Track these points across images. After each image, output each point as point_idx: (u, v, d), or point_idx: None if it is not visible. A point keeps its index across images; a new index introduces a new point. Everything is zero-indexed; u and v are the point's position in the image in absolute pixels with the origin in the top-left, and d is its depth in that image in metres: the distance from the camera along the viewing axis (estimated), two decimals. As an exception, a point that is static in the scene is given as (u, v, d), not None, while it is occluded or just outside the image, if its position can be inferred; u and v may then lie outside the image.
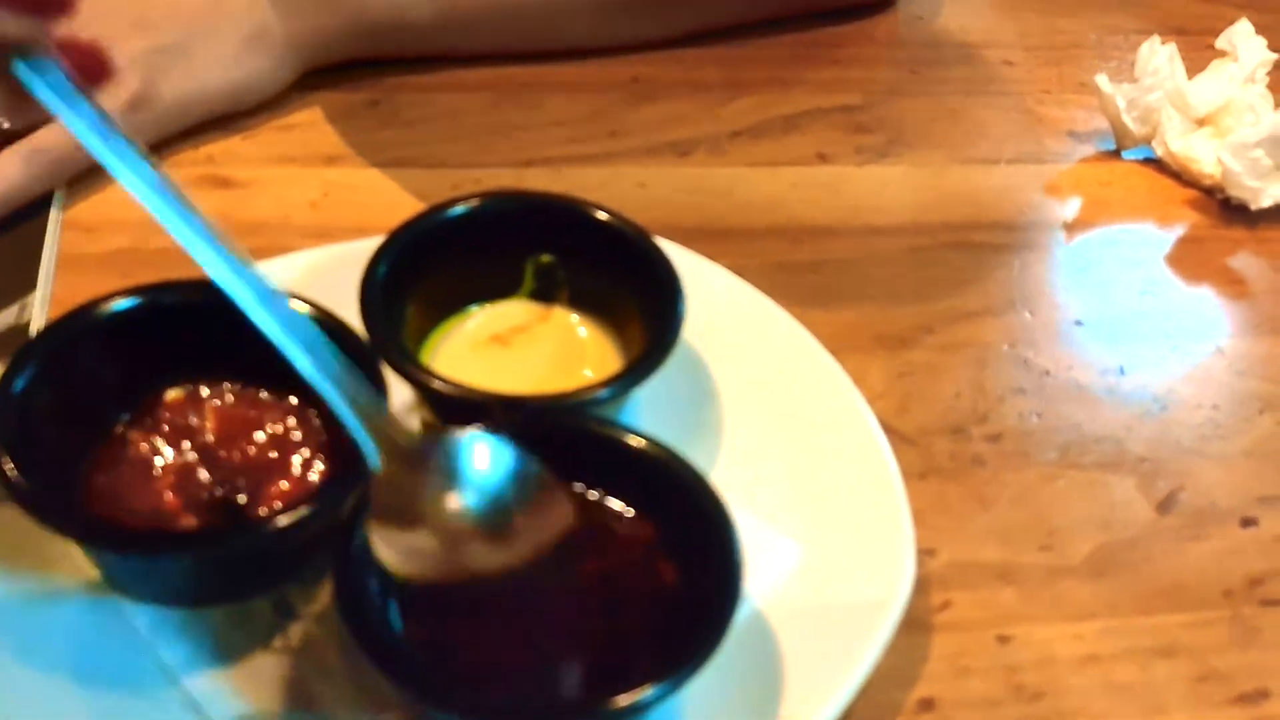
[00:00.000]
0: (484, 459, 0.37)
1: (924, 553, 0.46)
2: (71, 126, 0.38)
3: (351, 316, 0.43)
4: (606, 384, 0.43)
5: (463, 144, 0.62)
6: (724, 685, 0.39)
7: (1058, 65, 0.74)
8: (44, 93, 0.38)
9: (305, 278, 0.48)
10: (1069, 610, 0.45)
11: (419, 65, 0.65)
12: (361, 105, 0.63)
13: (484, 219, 0.48)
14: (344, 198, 0.58)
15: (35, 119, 0.39)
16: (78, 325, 0.42)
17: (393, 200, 0.58)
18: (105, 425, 0.42)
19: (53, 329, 0.42)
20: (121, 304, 0.43)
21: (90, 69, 0.40)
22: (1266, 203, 0.63)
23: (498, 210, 0.49)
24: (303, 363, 0.37)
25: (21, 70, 0.37)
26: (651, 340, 0.45)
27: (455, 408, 0.42)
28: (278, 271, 0.49)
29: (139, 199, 0.38)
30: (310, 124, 0.62)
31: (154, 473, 0.41)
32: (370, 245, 0.46)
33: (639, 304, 0.47)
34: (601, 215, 0.48)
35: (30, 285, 0.50)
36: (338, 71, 0.64)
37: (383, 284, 0.45)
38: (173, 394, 0.43)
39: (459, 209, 0.48)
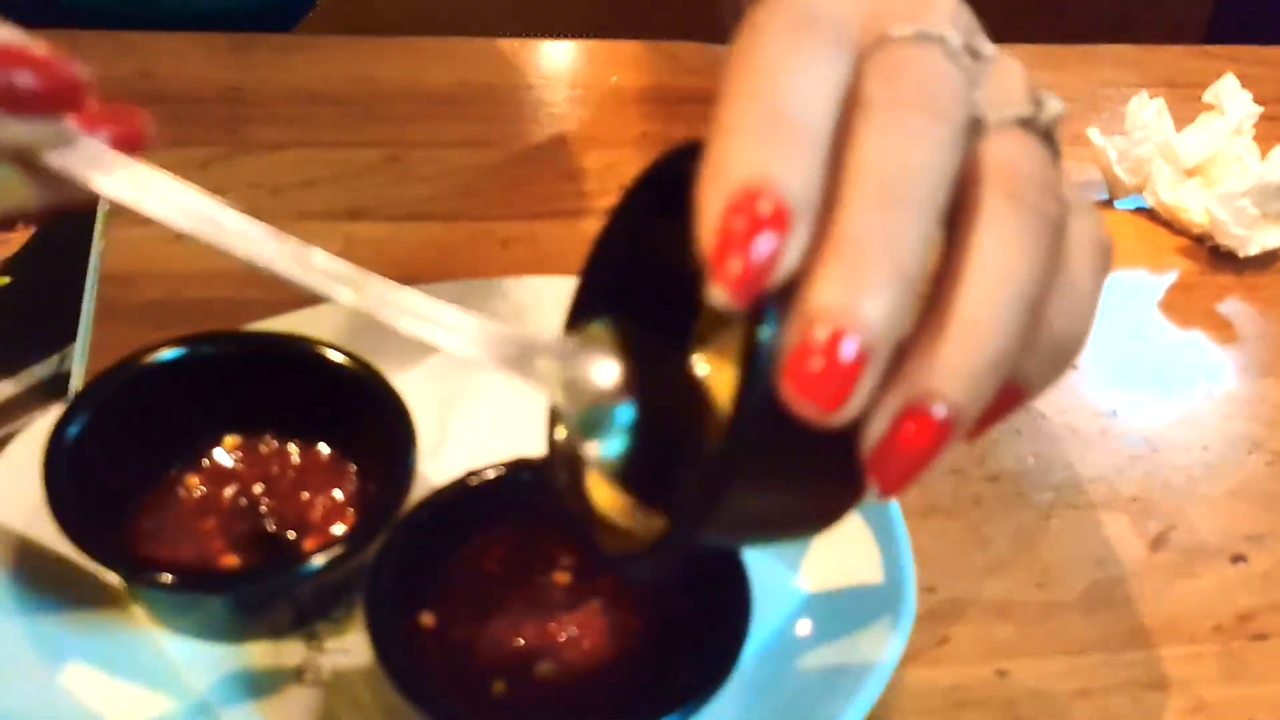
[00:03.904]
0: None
1: (924, 589, 0.47)
2: (107, 192, 0.33)
3: (377, 360, 0.45)
4: None
5: (476, 199, 0.64)
6: None
7: (1051, 118, 0.76)
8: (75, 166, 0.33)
9: (330, 328, 0.50)
10: (1065, 644, 0.47)
11: (432, 124, 0.68)
12: (379, 162, 0.66)
13: None
14: (365, 251, 0.60)
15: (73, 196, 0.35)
16: (126, 375, 0.44)
17: (412, 252, 0.60)
18: (152, 470, 0.44)
19: (103, 379, 0.44)
20: (168, 355, 0.45)
21: (126, 136, 0.35)
22: (1253, 250, 0.65)
23: None
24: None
25: (52, 158, 0.33)
26: None
27: None
28: (304, 322, 0.51)
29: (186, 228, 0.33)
30: (331, 180, 0.64)
31: (195, 516, 0.44)
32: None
33: None
34: None
35: (70, 336, 0.52)
36: (355, 130, 0.66)
37: None
38: (215, 442, 0.46)
39: None
